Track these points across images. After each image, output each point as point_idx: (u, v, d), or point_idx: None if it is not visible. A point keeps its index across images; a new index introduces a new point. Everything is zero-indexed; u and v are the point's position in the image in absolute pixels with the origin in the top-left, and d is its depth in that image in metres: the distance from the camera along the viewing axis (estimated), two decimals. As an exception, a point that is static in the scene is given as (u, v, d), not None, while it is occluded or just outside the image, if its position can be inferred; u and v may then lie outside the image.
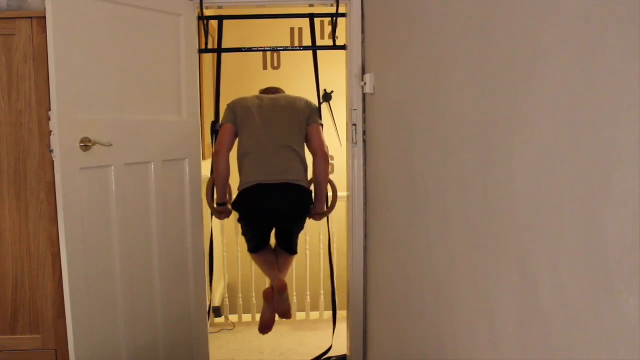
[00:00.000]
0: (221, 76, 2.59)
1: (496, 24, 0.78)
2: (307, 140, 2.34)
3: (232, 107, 2.35)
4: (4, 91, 1.94)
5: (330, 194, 2.46)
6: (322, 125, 2.37)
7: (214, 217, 2.47)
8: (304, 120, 2.31)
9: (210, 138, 2.52)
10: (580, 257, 0.55)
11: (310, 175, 2.37)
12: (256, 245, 2.40)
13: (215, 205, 2.38)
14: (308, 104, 2.38)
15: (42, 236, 2.00)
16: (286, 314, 2.36)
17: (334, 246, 3.22)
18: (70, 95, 1.76)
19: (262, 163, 2.24)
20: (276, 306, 2.33)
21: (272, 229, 2.43)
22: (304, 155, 2.33)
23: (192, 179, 2.25)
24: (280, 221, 2.37)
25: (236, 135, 2.32)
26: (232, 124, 2.30)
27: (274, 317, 2.37)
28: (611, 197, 0.50)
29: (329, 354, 2.64)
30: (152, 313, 2.11)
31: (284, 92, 2.56)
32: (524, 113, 0.69)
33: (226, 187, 2.32)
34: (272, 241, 2.51)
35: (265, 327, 2.36)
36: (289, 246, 2.45)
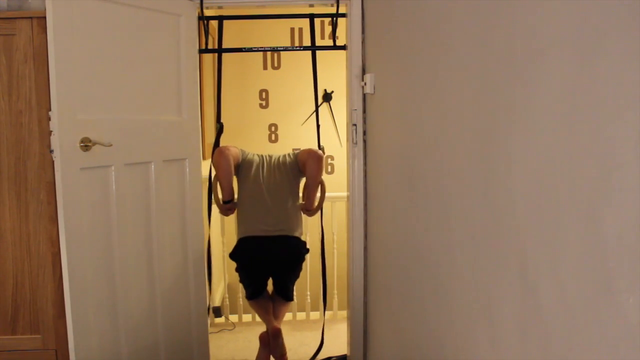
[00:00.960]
0: (222, 76, 2.60)
1: (496, 24, 0.78)
2: (301, 164, 2.43)
3: (241, 151, 2.48)
4: (4, 91, 1.94)
5: (318, 193, 2.52)
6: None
7: (211, 220, 2.56)
8: (296, 169, 2.44)
9: (213, 138, 2.53)
10: (580, 257, 0.55)
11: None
12: (253, 292, 2.47)
13: (221, 203, 2.44)
14: (291, 154, 2.52)
15: (42, 236, 2.00)
16: (281, 358, 2.42)
17: (334, 246, 3.23)
18: (70, 95, 1.76)
19: (260, 216, 2.37)
20: (272, 350, 2.40)
21: (269, 278, 2.51)
22: (299, 208, 2.47)
23: (192, 179, 2.25)
24: (276, 270, 2.47)
25: (238, 164, 2.42)
26: (238, 156, 2.42)
27: (269, 359, 2.44)
28: (611, 197, 0.50)
29: (328, 354, 2.64)
30: (152, 313, 2.11)
31: None
32: (523, 113, 0.69)
33: (231, 184, 2.40)
34: (269, 287, 2.57)
35: None
36: (285, 293, 2.52)
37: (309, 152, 2.39)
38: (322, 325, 2.70)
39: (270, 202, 2.37)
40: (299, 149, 2.53)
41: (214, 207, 2.57)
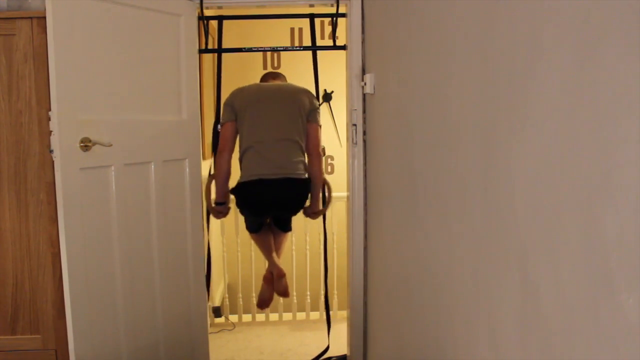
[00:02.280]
0: (222, 76, 2.59)
1: (496, 24, 0.78)
2: (306, 134, 2.37)
3: (230, 102, 2.35)
4: (4, 91, 1.94)
5: (326, 193, 2.52)
6: (320, 125, 2.41)
7: (208, 220, 2.53)
8: (305, 115, 2.34)
9: (211, 139, 2.52)
10: (580, 257, 0.55)
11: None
12: (255, 225, 2.53)
13: (213, 204, 2.40)
14: (311, 100, 2.39)
15: (42, 236, 2.00)
16: (284, 293, 2.56)
17: (334, 246, 3.23)
18: (70, 95, 1.76)
19: (262, 157, 2.25)
20: (275, 286, 2.55)
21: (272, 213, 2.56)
22: (304, 146, 2.37)
23: (192, 179, 2.25)
24: (279, 211, 2.48)
25: (237, 130, 2.33)
26: (232, 121, 2.32)
27: (272, 295, 2.60)
28: (611, 197, 0.50)
29: (329, 354, 2.64)
30: (152, 313, 2.11)
31: (284, 78, 2.59)
32: (523, 113, 0.69)
33: (225, 186, 2.35)
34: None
35: (264, 303, 2.61)
36: (284, 226, 2.60)
37: (312, 149, 2.35)
38: (322, 326, 2.70)
39: (272, 142, 2.26)
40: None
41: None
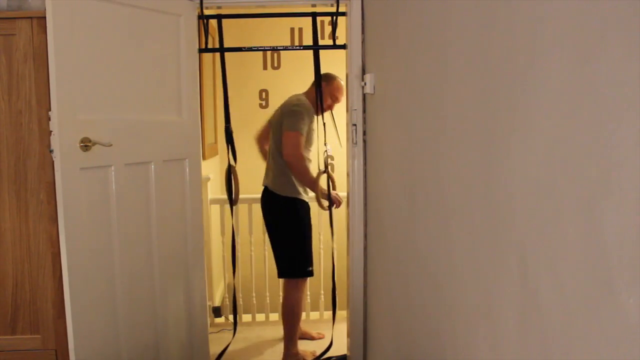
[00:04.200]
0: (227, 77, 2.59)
1: (496, 24, 0.78)
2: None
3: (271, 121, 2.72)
4: (4, 91, 1.94)
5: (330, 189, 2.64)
6: (293, 131, 2.43)
7: (234, 214, 2.71)
8: (280, 126, 2.52)
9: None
10: (580, 257, 0.55)
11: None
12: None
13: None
14: (283, 110, 2.54)
15: (42, 236, 2.00)
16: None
17: (334, 246, 3.22)
18: (70, 95, 1.76)
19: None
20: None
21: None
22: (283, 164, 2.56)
23: (192, 179, 2.25)
24: (266, 222, 2.67)
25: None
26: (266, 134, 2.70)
27: None
28: (611, 197, 0.50)
29: (330, 353, 2.64)
30: (152, 313, 2.11)
31: (329, 81, 2.68)
32: (524, 113, 0.69)
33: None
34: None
35: None
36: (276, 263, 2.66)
37: (285, 157, 2.45)
38: (322, 326, 2.70)
39: (270, 155, 2.59)
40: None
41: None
